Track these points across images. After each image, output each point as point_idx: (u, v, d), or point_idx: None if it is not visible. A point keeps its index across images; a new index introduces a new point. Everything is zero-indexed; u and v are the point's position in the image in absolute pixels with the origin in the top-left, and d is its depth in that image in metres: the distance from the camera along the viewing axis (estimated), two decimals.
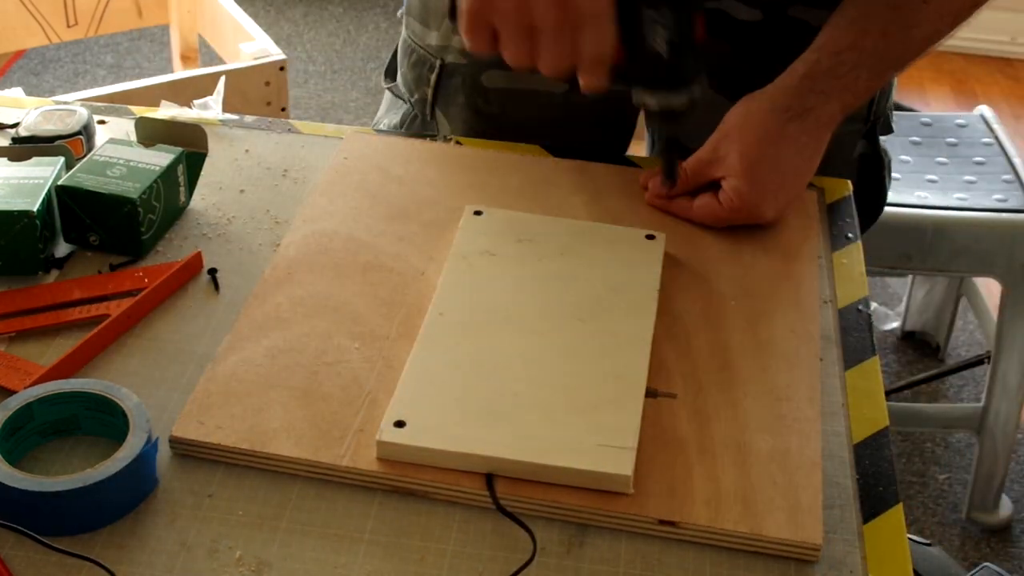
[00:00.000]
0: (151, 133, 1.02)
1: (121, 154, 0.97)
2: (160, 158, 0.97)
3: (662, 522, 0.73)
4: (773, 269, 0.96)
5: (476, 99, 1.16)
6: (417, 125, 1.21)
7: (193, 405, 0.79)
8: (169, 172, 0.96)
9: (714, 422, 0.80)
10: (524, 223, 0.97)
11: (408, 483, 0.75)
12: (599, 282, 0.90)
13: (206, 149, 1.02)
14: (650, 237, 0.95)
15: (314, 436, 0.77)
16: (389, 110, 1.25)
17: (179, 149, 0.99)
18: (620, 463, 0.75)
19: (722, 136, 1.00)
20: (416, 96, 1.20)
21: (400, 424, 0.76)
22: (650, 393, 0.81)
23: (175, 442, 0.77)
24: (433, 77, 1.17)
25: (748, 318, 0.90)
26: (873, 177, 1.21)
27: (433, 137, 1.12)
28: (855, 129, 1.17)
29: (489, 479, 0.75)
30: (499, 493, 0.74)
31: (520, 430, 0.77)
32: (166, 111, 1.11)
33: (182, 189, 0.99)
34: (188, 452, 0.77)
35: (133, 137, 1.03)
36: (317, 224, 0.97)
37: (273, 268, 0.92)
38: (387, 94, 1.27)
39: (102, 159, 0.96)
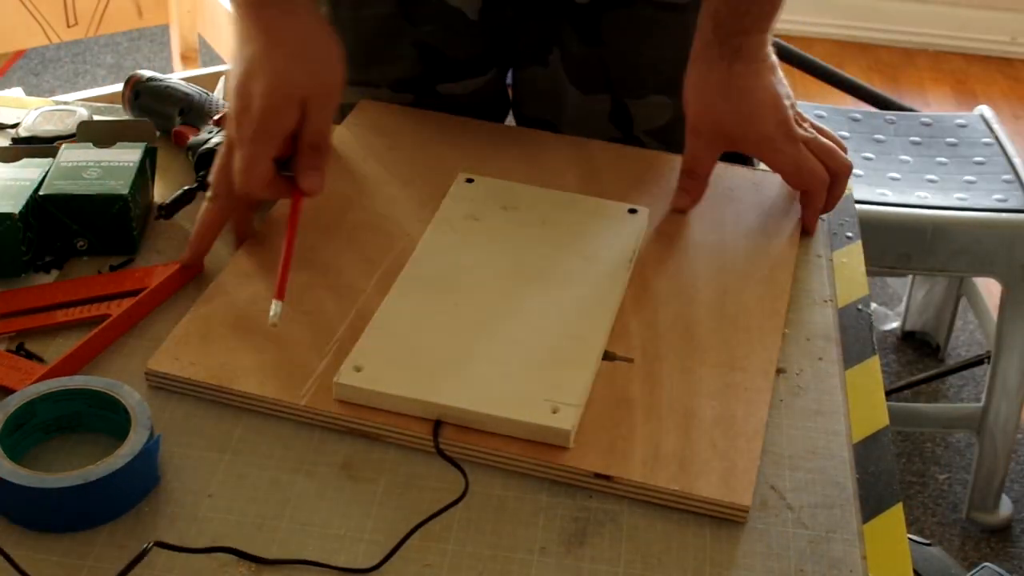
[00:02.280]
0: (93, 136, 1.00)
1: (87, 157, 0.97)
2: (128, 155, 0.97)
3: (597, 475, 0.76)
4: (750, 247, 0.97)
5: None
6: None
7: (172, 342, 0.84)
8: (141, 167, 0.97)
9: (665, 387, 0.83)
10: (512, 192, 1.00)
11: (361, 425, 0.79)
12: (575, 251, 0.93)
13: (155, 142, 1.02)
14: (632, 211, 0.98)
15: (280, 377, 0.81)
16: None
17: (142, 144, 0.99)
18: (562, 418, 0.77)
19: (691, 121, 1.01)
20: None
21: (359, 369, 0.80)
22: (608, 356, 0.84)
23: (150, 374, 0.82)
24: None
25: (718, 293, 0.92)
26: None
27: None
28: None
29: (436, 425, 0.78)
30: (443, 439, 0.78)
31: (471, 381, 0.80)
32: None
33: (150, 184, 1.00)
34: (161, 385, 0.82)
35: None
36: None
37: (266, 223, 0.95)
38: None
39: (71, 164, 0.96)
